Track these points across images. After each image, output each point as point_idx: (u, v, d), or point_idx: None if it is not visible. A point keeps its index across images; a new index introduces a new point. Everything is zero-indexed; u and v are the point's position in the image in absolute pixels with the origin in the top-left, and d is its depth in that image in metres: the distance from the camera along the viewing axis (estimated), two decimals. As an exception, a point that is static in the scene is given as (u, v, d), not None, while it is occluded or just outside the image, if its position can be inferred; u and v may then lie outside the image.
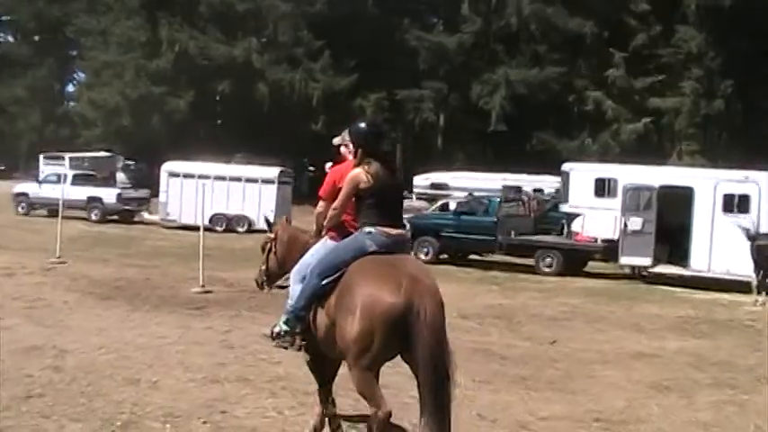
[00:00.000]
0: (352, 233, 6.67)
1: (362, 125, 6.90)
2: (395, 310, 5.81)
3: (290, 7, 51.40)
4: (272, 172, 35.44)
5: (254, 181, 34.88)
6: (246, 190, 34.69)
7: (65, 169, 39.51)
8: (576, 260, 24.24)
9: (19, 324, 12.27)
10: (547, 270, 23.40)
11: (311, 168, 62.67)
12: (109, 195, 36.37)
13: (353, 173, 6.57)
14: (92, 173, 40.38)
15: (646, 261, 23.20)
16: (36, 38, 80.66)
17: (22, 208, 36.64)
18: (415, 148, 59.99)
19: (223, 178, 34.67)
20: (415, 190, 41.09)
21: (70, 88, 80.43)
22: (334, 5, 51.23)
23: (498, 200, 25.51)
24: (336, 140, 7.61)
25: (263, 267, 8.13)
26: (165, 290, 16.77)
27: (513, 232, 24.21)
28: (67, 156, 45.43)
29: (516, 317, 15.62)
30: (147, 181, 43.58)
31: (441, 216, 27.41)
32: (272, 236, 8.12)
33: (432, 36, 52.02)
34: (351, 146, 6.99)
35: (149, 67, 52.89)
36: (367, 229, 6.49)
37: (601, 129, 48.45)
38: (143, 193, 39.58)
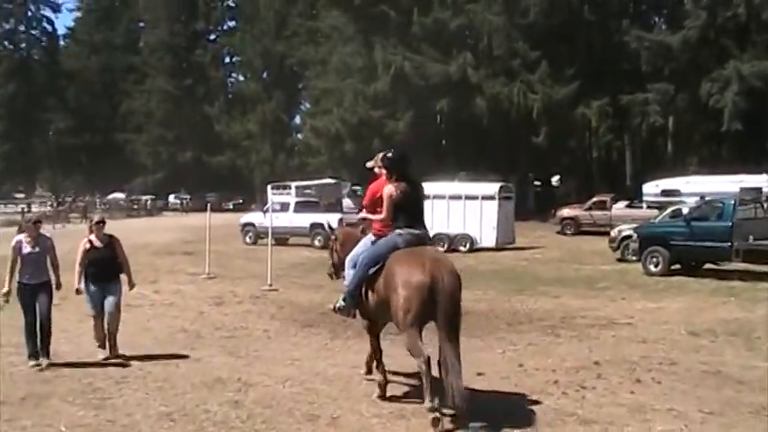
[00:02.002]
0: (385, 235, 9.05)
1: (392, 154, 9.25)
2: (424, 282, 8.23)
3: (503, 20, 50.21)
4: (493, 188, 34.32)
5: (474, 198, 33.81)
6: (467, 208, 33.69)
7: (291, 198, 39.99)
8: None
9: (211, 355, 11.95)
10: (793, 278, 20.89)
11: (537, 183, 61.27)
12: (331, 221, 36.33)
13: (388, 188, 8.97)
14: (314, 200, 40.75)
15: None
16: (264, 74, 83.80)
17: (250, 238, 37.34)
18: (643, 155, 57.40)
19: (442, 197, 33.88)
20: (644, 198, 38.91)
21: (297, 120, 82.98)
22: (548, 14, 49.66)
23: (733, 203, 23.21)
24: (370, 164, 9.72)
25: (330, 262, 10.88)
26: (372, 314, 16.13)
27: (751, 237, 21.92)
28: (293, 185, 46.16)
29: (755, 332, 13.64)
30: (373, 205, 43.62)
31: (670, 224, 25.28)
32: (334, 237, 10.87)
33: (653, 35, 49.22)
34: (383, 168, 9.25)
35: (367, 91, 53.28)
36: (398, 231, 8.93)
37: None
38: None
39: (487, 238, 32.82)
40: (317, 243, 35.27)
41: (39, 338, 11.20)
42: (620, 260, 27.04)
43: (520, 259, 28.85)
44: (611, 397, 9.36)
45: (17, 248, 11.25)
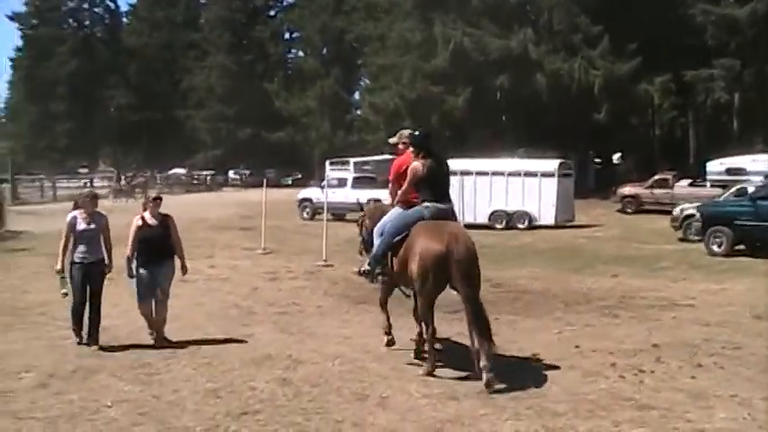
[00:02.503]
0: (414, 204, 9.78)
1: (419, 133, 10.35)
2: (440, 254, 9.04)
3: (564, -7, 49.38)
4: (552, 165, 33.84)
5: (534, 175, 33.33)
6: (526, 185, 33.23)
7: (349, 174, 39.94)
8: None
9: (262, 332, 11.87)
10: None
11: (597, 160, 60.33)
12: (388, 197, 36.08)
13: (414, 164, 9.73)
14: (372, 176, 40.60)
15: None
16: (323, 50, 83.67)
17: (307, 213, 37.40)
18: (707, 132, 56.15)
19: (501, 174, 33.52)
20: (708, 177, 38.00)
21: (357, 96, 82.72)
22: (610, -13, 48.61)
23: (801, 181, 22.48)
24: (393, 140, 10.76)
25: (360, 238, 11.55)
26: (426, 292, 15.90)
27: (820, 217, 21.15)
28: (352, 160, 46.17)
29: (825, 316, 13.02)
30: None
31: (735, 203, 24.63)
32: (363, 213, 11.69)
33: (720, 9, 47.82)
34: (408, 144, 10.19)
35: (426, 67, 52.70)
36: (425, 204, 9.69)
37: None
38: (422, 193, 39.26)
39: (546, 215, 32.41)
40: (373, 219, 35.09)
41: (87, 322, 10.89)
42: (682, 240, 26.41)
43: (579, 237, 28.40)
44: (671, 382, 9.02)
45: (72, 224, 10.96)
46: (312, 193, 38.59)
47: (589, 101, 48.68)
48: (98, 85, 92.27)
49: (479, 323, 8.92)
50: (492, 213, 32.40)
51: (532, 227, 31.79)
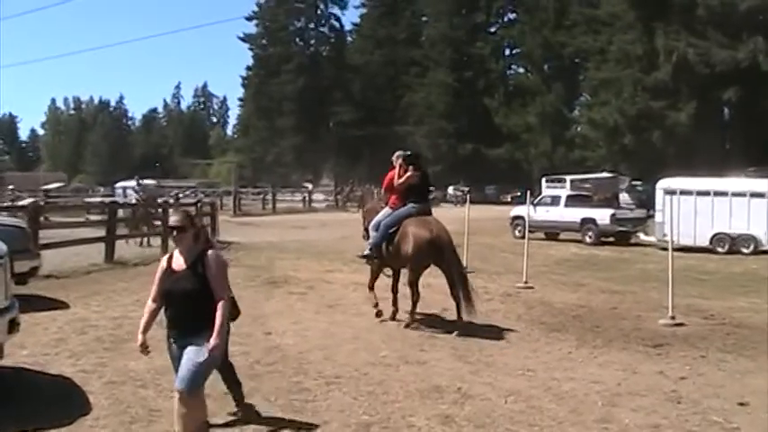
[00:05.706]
0: (400, 206, 13.56)
1: (409, 153, 14.29)
2: (430, 239, 12.79)
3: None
4: (782, 185, 31.23)
5: (761, 196, 30.82)
6: (752, 206, 30.78)
7: (563, 191, 38.76)
8: None
9: (439, 359, 11.03)
10: None
11: (838, 179, 55.95)
12: (603, 217, 34.70)
13: (408, 174, 13.55)
14: (587, 194, 39.19)
15: None
16: (545, 66, 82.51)
17: (519, 231, 36.42)
18: None
19: (725, 194, 31.24)
20: None
21: (576, 111, 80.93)
22: None
23: None
24: (394, 158, 13.90)
25: (363, 227, 15.03)
26: (629, 321, 14.58)
27: None
28: (568, 178, 44.89)
29: None
30: (653, 201, 41.51)
31: None
32: (365, 208, 15.39)
33: None
34: (400, 160, 13.77)
35: (647, 80, 50.76)
36: (411, 204, 13.47)
37: None
38: (639, 213, 37.57)
39: (774, 240, 29.90)
40: (587, 239, 33.80)
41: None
42: None
43: (811, 265, 25.92)
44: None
45: None
46: (524, 210, 37.65)
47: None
48: (323, 101, 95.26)
49: (466, 292, 12.79)
50: (714, 236, 30.30)
51: (758, 252, 29.41)
